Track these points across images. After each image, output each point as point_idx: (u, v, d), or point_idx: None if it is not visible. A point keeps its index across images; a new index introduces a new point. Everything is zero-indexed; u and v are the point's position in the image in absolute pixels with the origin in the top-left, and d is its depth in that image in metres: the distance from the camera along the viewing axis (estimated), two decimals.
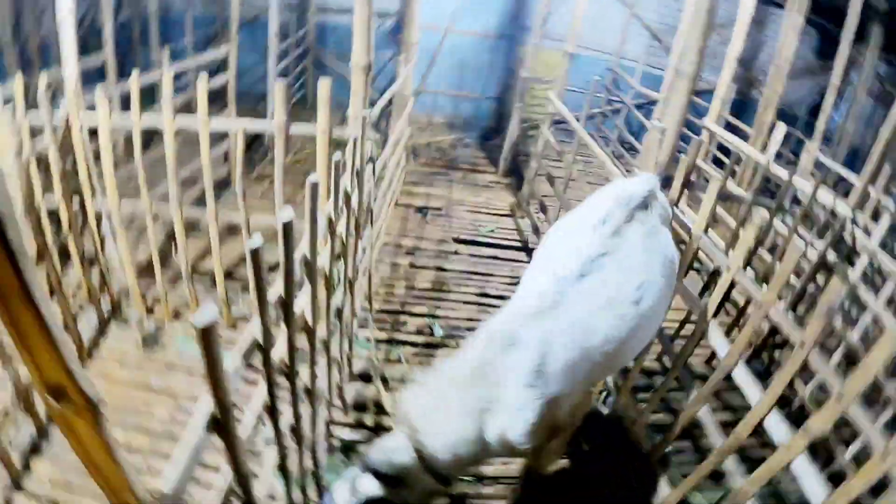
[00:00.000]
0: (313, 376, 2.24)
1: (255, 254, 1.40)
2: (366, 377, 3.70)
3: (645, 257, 2.24)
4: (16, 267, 0.78)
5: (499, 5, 8.62)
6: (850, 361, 3.51)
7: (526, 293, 2.25)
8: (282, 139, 3.23)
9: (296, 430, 2.09)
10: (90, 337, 3.70)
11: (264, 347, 1.57)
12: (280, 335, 1.81)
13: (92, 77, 4.86)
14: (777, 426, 2.23)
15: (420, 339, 4.18)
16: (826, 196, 3.83)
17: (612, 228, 2.22)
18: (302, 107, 7.97)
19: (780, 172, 4.04)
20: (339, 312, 2.82)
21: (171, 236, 4.10)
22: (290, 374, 1.91)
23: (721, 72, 6.01)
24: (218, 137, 5.63)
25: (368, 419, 3.40)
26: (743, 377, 2.48)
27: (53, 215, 3.41)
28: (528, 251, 5.58)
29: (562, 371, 2.02)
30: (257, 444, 2.15)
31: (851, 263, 3.71)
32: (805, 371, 3.36)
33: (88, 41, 5.34)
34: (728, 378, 2.55)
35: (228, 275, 4.18)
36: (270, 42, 6.58)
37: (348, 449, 3.15)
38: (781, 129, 4.28)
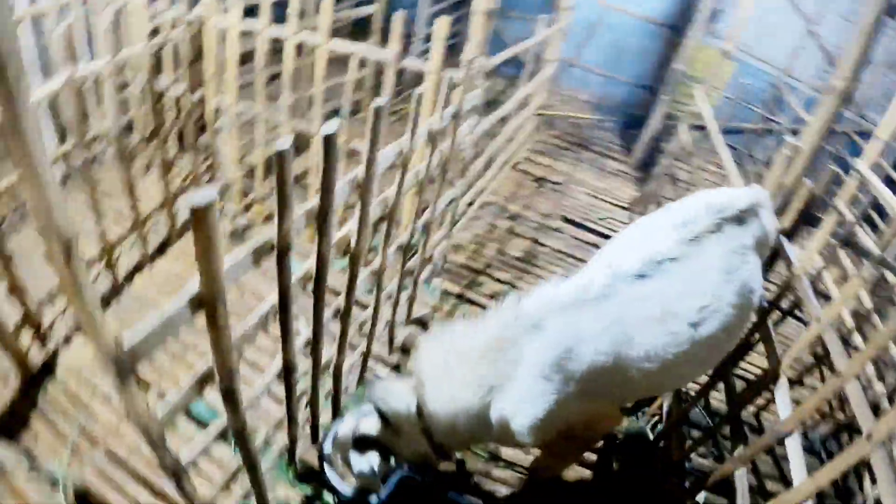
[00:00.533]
0: (348, 302, 2.23)
1: (281, 156, 1.39)
2: (424, 323, 3.69)
3: (720, 277, 1.95)
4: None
5: None
6: None
7: (574, 280, 2.05)
8: (392, 69, 3.22)
9: (314, 349, 2.11)
10: (184, 219, 4.03)
11: (279, 250, 1.56)
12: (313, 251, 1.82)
13: None
14: None
15: (491, 304, 4.07)
16: None
17: (691, 233, 1.94)
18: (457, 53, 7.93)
19: None
20: (405, 250, 2.79)
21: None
22: (319, 290, 1.91)
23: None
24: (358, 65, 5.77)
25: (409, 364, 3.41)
26: (794, 450, 2.08)
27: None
28: None
29: (586, 373, 1.83)
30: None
31: None
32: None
33: None
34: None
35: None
36: None
37: None
38: None
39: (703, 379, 3.05)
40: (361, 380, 3.14)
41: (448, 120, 2.57)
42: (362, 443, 2.19)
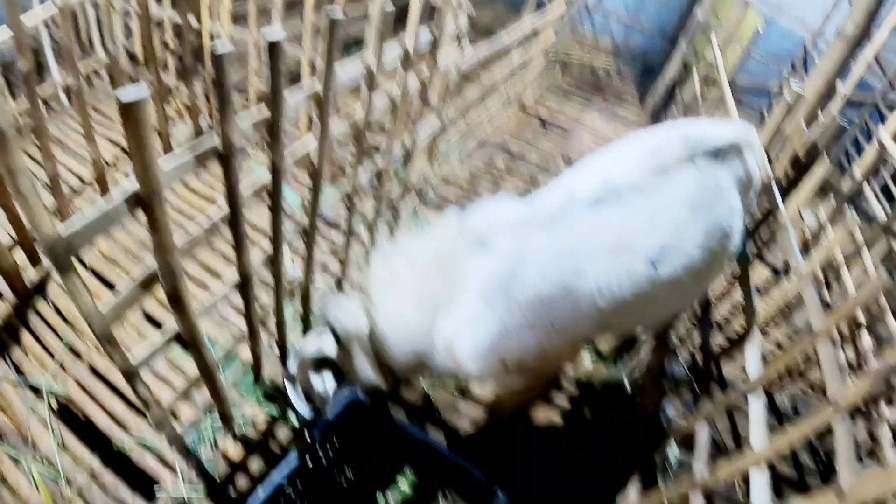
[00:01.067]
0: (312, 220, 2.22)
1: (219, 59, 1.35)
2: None
3: (686, 215, 1.82)
4: None
5: None
6: None
7: (529, 200, 1.93)
8: None
9: (274, 264, 2.11)
10: (181, 142, 4.02)
11: (223, 153, 1.54)
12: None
13: None
14: (760, 491, 1.74)
15: None
16: None
17: (659, 163, 1.80)
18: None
19: None
20: (380, 175, 2.74)
21: None
22: (275, 202, 1.89)
23: None
24: None
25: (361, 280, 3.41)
26: (756, 410, 1.97)
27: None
28: None
29: (532, 302, 1.74)
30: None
31: None
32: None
33: None
34: None
35: None
36: None
37: None
38: None
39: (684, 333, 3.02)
40: None
41: (425, 42, 2.46)
42: (322, 363, 2.20)
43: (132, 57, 4.30)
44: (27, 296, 3.01)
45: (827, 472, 3.33)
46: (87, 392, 2.71)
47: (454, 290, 1.78)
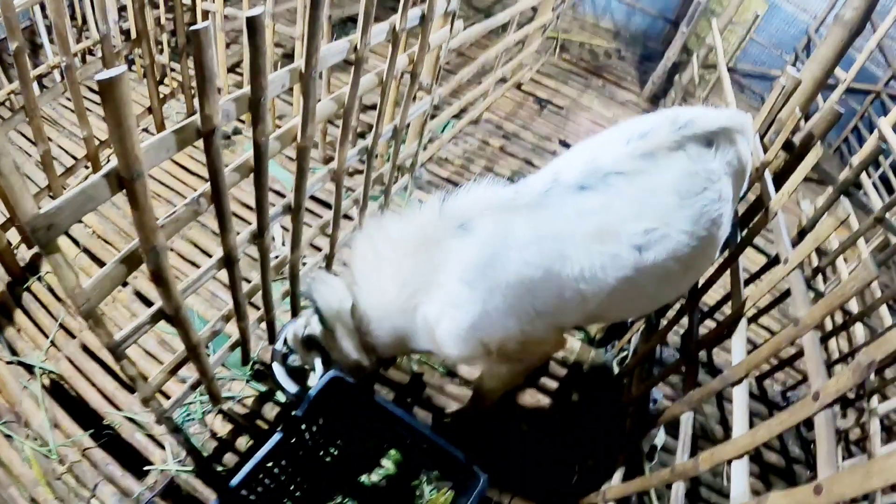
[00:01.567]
0: (298, 198, 2.20)
1: (198, 35, 1.34)
2: None
3: (673, 200, 1.80)
4: None
5: None
6: None
7: (514, 185, 1.91)
8: None
9: (259, 241, 2.10)
10: (175, 120, 4.01)
11: (204, 132, 1.53)
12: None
13: None
14: (740, 478, 1.71)
15: None
16: None
17: (647, 147, 1.77)
18: None
19: None
20: (370, 153, 2.73)
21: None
22: (259, 181, 1.88)
23: None
24: None
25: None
26: (740, 399, 1.95)
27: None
28: None
29: (514, 286, 1.73)
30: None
31: None
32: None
33: None
34: None
35: None
36: None
37: None
38: None
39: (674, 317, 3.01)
40: None
41: (414, 18, 2.42)
42: (308, 343, 2.22)
43: (127, 35, 4.26)
44: (20, 275, 3.02)
45: (815, 461, 3.34)
46: (79, 370, 2.73)
47: (436, 272, 1.78)
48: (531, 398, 3.08)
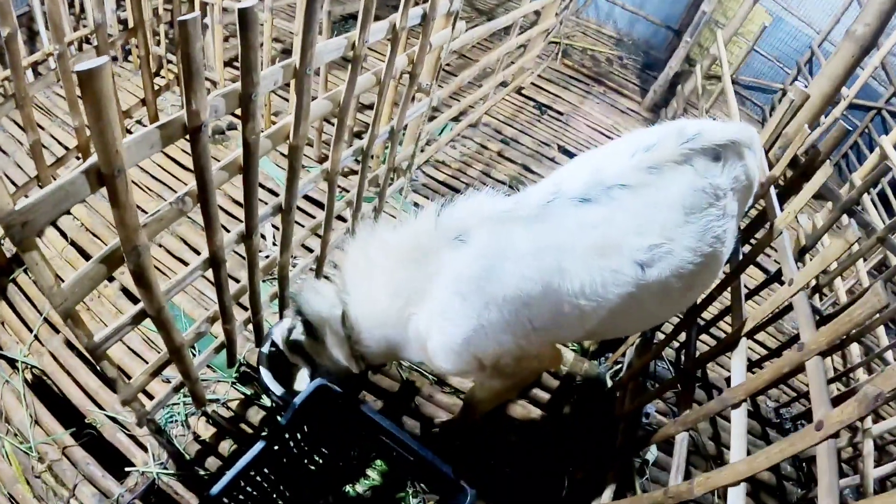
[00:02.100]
0: (288, 199, 2.14)
1: (185, 27, 1.28)
2: None
3: (678, 216, 1.74)
4: None
5: None
6: None
7: (514, 196, 1.86)
8: None
9: (246, 242, 2.04)
10: (170, 113, 3.94)
11: (190, 128, 1.47)
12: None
13: None
14: None
15: None
16: None
17: (652, 160, 1.72)
18: None
19: None
20: (365, 154, 2.66)
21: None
22: (248, 180, 1.82)
23: None
24: None
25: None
26: (738, 423, 1.89)
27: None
28: None
29: (511, 300, 1.67)
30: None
31: None
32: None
33: None
34: None
35: None
36: None
37: None
38: None
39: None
40: None
41: (415, 17, 2.37)
42: (294, 348, 2.16)
43: (124, 25, 4.20)
44: (6, 267, 2.95)
45: (807, 480, 3.31)
46: (62, 366, 2.67)
47: (430, 283, 1.72)
48: (522, 409, 3.03)
